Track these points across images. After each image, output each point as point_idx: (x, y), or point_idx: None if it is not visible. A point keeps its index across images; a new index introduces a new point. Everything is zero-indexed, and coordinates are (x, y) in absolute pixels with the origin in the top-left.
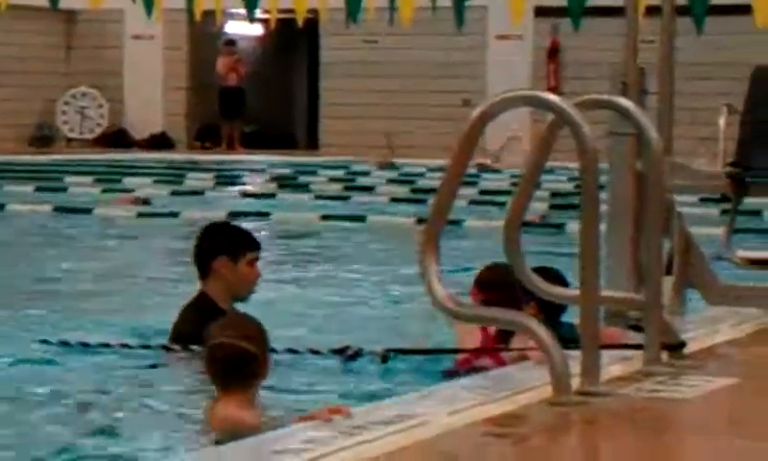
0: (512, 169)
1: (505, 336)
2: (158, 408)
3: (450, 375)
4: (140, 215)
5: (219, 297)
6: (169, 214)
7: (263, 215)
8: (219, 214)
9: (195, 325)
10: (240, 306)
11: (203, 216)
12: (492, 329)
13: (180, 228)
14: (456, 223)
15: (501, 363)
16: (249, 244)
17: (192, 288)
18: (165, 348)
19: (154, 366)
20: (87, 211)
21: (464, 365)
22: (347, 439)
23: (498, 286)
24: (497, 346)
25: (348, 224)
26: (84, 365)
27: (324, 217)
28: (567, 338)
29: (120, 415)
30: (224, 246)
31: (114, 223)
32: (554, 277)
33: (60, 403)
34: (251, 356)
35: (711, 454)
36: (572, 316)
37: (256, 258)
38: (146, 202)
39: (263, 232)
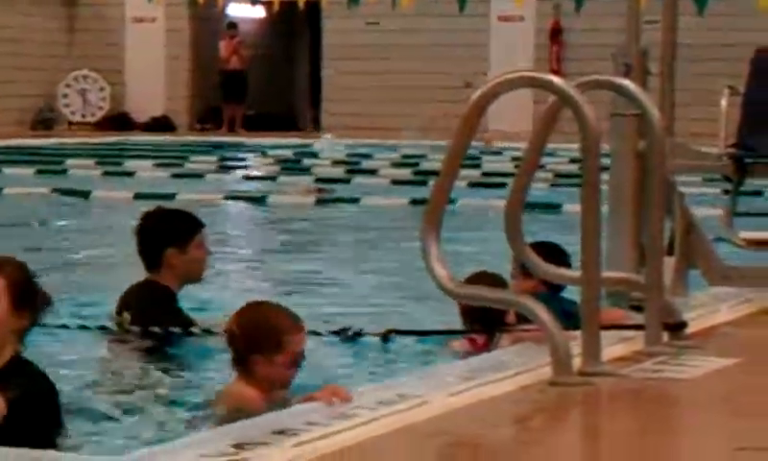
0: None
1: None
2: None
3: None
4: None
5: (170, 283)
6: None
7: (260, 200)
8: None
9: (150, 309)
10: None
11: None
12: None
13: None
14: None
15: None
16: (194, 228)
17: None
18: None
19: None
20: (85, 195)
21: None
22: (346, 420)
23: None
24: (489, 340)
25: (344, 206)
26: (84, 345)
27: (320, 201)
28: (570, 312)
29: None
30: (171, 237)
31: (113, 207)
32: (555, 251)
33: None
34: (234, 336)
35: (712, 434)
36: (574, 292)
37: (204, 237)
38: (322, 191)
39: (262, 215)
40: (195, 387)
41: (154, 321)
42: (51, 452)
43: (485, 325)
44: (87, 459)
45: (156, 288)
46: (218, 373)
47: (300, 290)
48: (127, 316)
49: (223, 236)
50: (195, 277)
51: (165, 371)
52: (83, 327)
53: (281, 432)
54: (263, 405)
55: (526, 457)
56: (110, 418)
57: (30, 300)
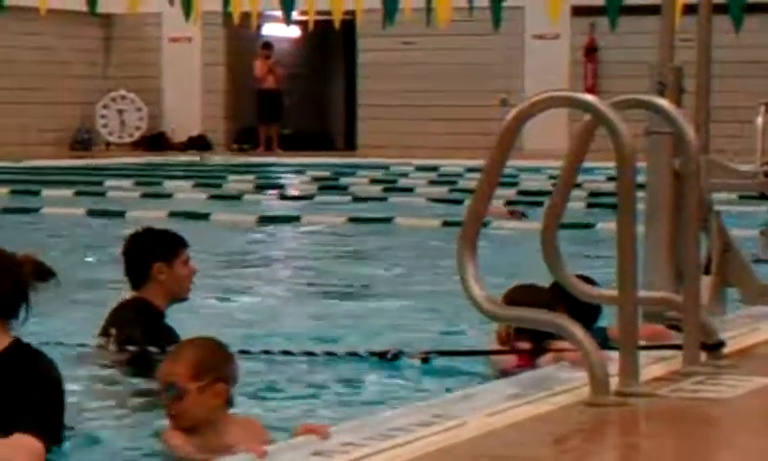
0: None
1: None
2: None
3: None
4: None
5: (157, 300)
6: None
7: (295, 219)
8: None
9: (137, 326)
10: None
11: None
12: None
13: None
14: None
15: None
16: (179, 244)
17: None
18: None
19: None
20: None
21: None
22: (384, 441)
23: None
24: (532, 356)
25: (377, 226)
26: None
27: (352, 220)
28: (602, 345)
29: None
30: (157, 252)
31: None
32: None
33: None
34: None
35: (751, 454)
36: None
37: (188, 256)
38: (524, 214)
39: (296, 235)
40: None
41: (140, 338)
42: None
43: (530, 335)
44: None
45: (142, 305)
46: None
47: (339, 311)
48: (113, 332)
49: (259, 255)
50: (182, 293)
51: (148, 389)
52: (59, 344)
53: (318, 454)
54: (179, 447)
55: None
56: (93, 438)
57: None
